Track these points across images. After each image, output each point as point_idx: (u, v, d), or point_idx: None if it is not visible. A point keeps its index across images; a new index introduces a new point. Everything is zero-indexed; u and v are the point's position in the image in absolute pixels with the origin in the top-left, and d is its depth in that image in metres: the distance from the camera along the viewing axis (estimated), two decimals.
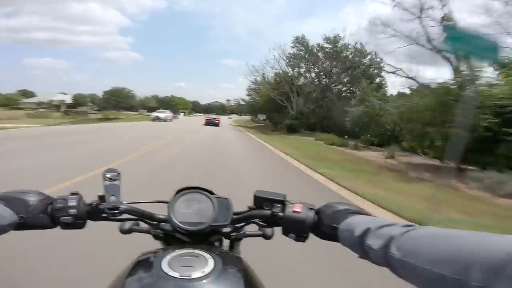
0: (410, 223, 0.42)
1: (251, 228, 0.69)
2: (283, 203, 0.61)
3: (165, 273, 0.45)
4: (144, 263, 0.50)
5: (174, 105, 65.86)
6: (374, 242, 0.42)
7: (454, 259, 0.31)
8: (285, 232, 0.58)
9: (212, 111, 70.17)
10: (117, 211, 0.60)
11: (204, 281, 0.44)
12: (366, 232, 0.44)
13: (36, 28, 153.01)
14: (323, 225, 0.54)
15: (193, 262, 0.48)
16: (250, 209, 0.64)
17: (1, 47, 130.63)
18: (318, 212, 0.57)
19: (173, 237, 0.64)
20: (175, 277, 0.44)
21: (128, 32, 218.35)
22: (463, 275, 0.29)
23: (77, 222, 0.58)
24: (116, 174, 0.63)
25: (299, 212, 0.57)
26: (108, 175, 0.62)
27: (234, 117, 70.41)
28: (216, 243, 0.67)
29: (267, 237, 0.69)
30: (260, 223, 0.63)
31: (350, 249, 0.49)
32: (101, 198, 0.60)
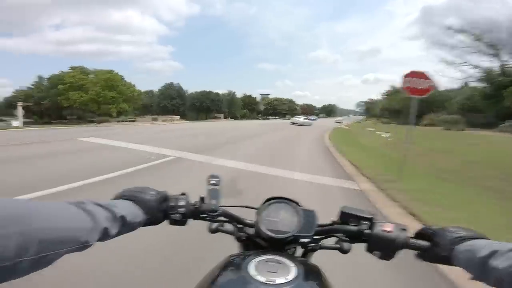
0: None
1: (328, 240, 0.69)
2: (371, 221, 0.61)
3: (252, 277, 0.48)
4: (233, 265, 0.54)
5: None
6: (501, 263, 0.43)
7: None
8: (371, 250, 0.58)
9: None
10: (216, 213, 0.64)
11: (287, 287, 0.46)
12: (493, 254, 0.45)
13: (82, 40, 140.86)
14: (438, 247, 0.55)
15: (276, 268, 0.51)
16: (334, 223, 0.65)
17: (52, 59, 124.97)
18: (433, 234, 0.56)
19: (253, 241, 0.67)
20: (261, 282, 0.47)
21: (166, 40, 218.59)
22: None
23: (183, 220, 0.63)
24: (218, 179, 0.65)
25: (390, 231, 0.57)
26: (212, 181, 0.65)
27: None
28: (290, 251, 0.68)
29: (344, 251, 0.67)
30: (343, 237, 0.63)
31: (465, 269, 0.50)
32: (202, 200, 0.65)
